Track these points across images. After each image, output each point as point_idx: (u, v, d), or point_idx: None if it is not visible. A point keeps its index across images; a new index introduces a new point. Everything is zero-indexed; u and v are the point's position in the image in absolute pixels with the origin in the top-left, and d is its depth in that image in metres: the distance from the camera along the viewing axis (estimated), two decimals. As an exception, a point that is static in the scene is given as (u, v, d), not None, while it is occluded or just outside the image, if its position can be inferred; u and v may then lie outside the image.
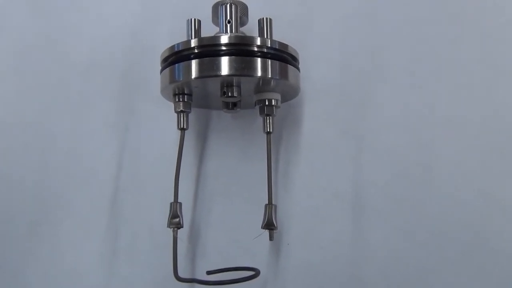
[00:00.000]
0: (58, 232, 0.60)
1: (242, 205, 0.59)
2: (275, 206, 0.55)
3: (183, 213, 0.55)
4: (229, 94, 0.54)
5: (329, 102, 0.60)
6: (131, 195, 0.60)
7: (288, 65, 0.54)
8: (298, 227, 0.58)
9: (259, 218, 0.54)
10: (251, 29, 0.59)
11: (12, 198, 0.61)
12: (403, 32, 0.61)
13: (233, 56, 0.52)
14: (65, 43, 0.63)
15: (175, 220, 0.54)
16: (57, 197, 0.61)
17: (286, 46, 0.54)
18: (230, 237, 0.59)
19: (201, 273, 0.57)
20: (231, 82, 0.54)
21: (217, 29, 0.58)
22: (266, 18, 0.56)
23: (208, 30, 0.57)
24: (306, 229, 0.59)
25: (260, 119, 0.56)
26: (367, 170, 0.59)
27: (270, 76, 0.53)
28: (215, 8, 0.58)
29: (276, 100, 0.56)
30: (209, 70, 0.52)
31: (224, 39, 0.53)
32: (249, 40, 0.53)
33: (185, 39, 0.55)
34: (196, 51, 0.53)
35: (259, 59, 0.52)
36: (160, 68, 0.56)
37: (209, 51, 0.52)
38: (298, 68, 0.56)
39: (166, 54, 0.55)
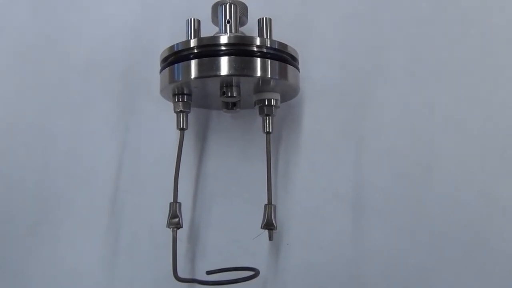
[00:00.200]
0: (58, 232, 0.60)
1: (241, 205, 0.59)
2: (275, 206, 0.55)
3: (182, 213, 0.55)
4: (229, 94, 0.54)
5: (329, 102, 0.60)
6: (131, 195, 0.60)
7: (288, 65, 0.54)
8: (298, 227, 0.58)
9: (259, 218, 0.54)
10: (250, 29, 0.59)
11: (12, 198, 0.61)
12: (403, 32, 0.61)
13: (232, 56, 0.52)
14: (65, 43, 0.63)
15: (174, 220, 0.54)
16: (57, 197, 0.61)
17: (285, 46, 0.54)
18: (230, 237, 0.59)
19: (200, 273, 0.57)
20: (230, 82, 0.54)
21: (216, 29, 0.58)
22: (266, 18, 0.56)
23: (208, 30, 0.57)
24: (306, 229, 0.58)
25: (259, 119, 0.56)
26: (367, 170, 0.59)
27: (269, 76, 0.53)
28: (215, 8, 0.58)
29: (276, 100, 0.55)
30: (209, 70, 0.52)
31: (224, 39, 0.53)
32: (249, 40, 0.53)
33: (184, 39, 0.55)
34: (195, 51, 0.53)
35: (258, 59, 0.52)
36: (159, 68, 0.56)
37: (208, 51, 0.52)
38: (297, 68, 0.56)
39: (166, 54, 0.55)
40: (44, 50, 0.63)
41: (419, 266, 0.57)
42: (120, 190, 0.60)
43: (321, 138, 0.60)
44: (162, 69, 0.55)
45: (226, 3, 0.56)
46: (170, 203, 0.54)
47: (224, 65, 0.52)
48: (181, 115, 0.55)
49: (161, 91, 0.56)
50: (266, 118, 0.56)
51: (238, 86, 0.54)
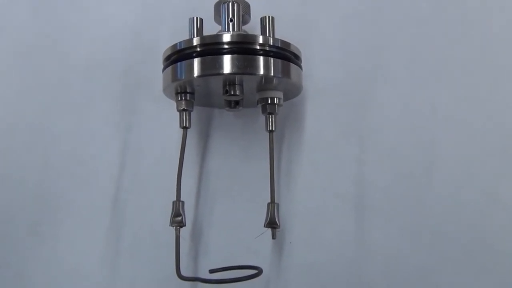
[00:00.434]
0: (59, 232, 0.60)
1: (244, 204, 0.59)
2: (278, 205, 0.55)
3: (185, 212, 0.55)
4: (232, 93, 0.54)
5: (332, 101, 0.60)
6: (133, 194, 0.60)
7: (291, 63, 0.54)
8: (301, 226, 0.58)
9: (262, 217, 0.54)
10: (253, 27, 0.59)
11: (13, 198, 0.61)
12: (405, 32, 0.61)
13: (235, 55, 0.52)
14: (66, 42, 0.63)
15: (177, 218, 0.54)
16: (58, 197, 0.60)
17: (288, 44, 0.54)
18: (233, 236, 0.59)
19: (203, 271, 0.57)
20: (233, 81, 0.53)
21: (219, 27, 0.58)
22: (268, 17, 0.56)
23: (210, 28, 0.57)
24: (309, 228, 0.58)
25: (262, 118, 0.56)
26: (369, 170, 0.59)
27: (272, 75, 0.53)
28: (217, 7, 0.58)
29: (279, 99, 0.55)
30: (212, 68, 0.52)
31: (227, 37, 0.53)
32: (252, 38, 0.53)
33: (186, 38, 0.55)
34: (198, 49, 0.53)
35: (261, 57, 0.52)
36: (162, 66, 0.56)
37: (211, 49, 0.52)
38: (300, 67, 0.56)
39: (168, 53, 0.54)
40: (45, 50, 0.63)
41: (421, 265, 0.57)
42: (122, 190, 0.60)
43: (323, 137, 0.60)
44: (165, 67, 0.55)
45: (229, 2, 0.56)
46: (173, 202, 0.54)
47: (227, 63, 0.52)
48: (184, 114, 0.55)
49: (164, 90, 0.56)
50: (269, 117, 0.56)
51: (241, 85, 0.54)
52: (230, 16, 0.56)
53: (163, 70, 0.55)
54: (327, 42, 0.61)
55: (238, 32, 0.56)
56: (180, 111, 0.55)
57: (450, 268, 0.57)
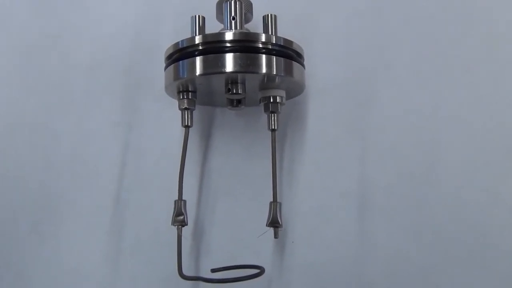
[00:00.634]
0: (61, 231, 0.60)
1: (246, 203, 0.59)
2: (280, 204, 0.55)
3: (187, 211, 0.54)
4: (234, 91, 0.53)
5: (334, 100, 0.60)
6: (135, 193, 0.60)
7: (293, 62, 0.54)
8: (303, 225, 0.58)
9: (264, 216, 0.54)
10: (255, 25, 0.59)
11: (14, 197, 0.61)
12: (408, 31, 0.61)
13: (237, 53, 0.52)
14: (68, 42, 0.63)
15: (179, 218, 0.54)
16: (60, 197, 0.60)
17: (291, 42, 0.54)
18: (235, 235, 0.58)
19: (205, 271, 0.57)
20: (235, 79, 0.53)
21: (221, 26, 0.57)
22: (271, 15, 0.56)
23: (212, 27, 0.57)
24: (311, 227, 0.58)
25: (264, 116, 0.56)
26: (372, 169, 0.59)
27: (275, 73, 0.52)
28: (220, 5, 0.57)
29: (281, 97, 0.55)
30: (214, 67, 0.52)
31: (229, 35, 0.52)
32: (254, 37, 0.53)
33: (188, 36, 0.55)
34: (200, 47, 0.52)
35: (264, 56, 0.52)
36: (164, 65, 0.55)
37: (213, 47, 0.52)
38: (303, 65, 0.56)
39: (171, 51, 0.54)
40: (46, 49, 0.63)
41: (423, 264, 0.57)
42: (124, 189, 0.60)
43: (326, 135, 0.60)
44: (167, 66, 0.55)
45: (231, 0, 0.56)
46: (175, 201, 0.54)
47: (229, 61, 0.52)
48: (186, 113, 0.55)
49: (166, 88, 0.55)
50: (271, 115, 0.55)
51: (243, 83, 0.54)
52: (232, 14, 0.56)
53: (165, 69, 0.55)
54: (330, 40, 0.61)
55: (241, 31, 0.55)
56: (182, 110, 0.55)
57: (452, 268, 0.57)
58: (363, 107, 0.60)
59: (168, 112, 0.59)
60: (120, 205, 0.60)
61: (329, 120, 0.60)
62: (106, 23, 0.63)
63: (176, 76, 0.53)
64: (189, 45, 0.53)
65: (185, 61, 0.53)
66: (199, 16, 0.56)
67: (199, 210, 0.59)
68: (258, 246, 0.57)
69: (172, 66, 0.54)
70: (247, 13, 0.57)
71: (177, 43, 0.54)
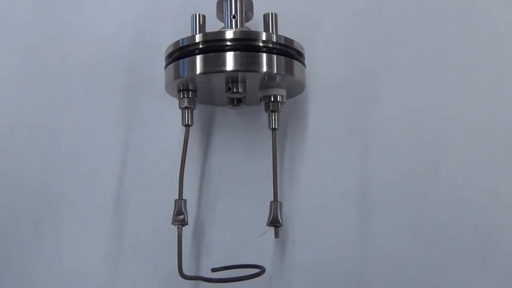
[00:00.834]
0: (61, 231, 0.60)
1: (247, 202, 0.59)
2: (281, 203, 0.55)
3: (187, 210, 0.54)
4: (234, 90, 0.53)
5: (335, 99, 0.60)
6: (135, 193, 0.60)
7: (294, 61, 0.54)
8: (304, 225, 0.58)
9: (264, 215, 0.54)
10: (256, 24, 0.59)
11: (16, 197, 0.60)
12: (409, 30, 0.61)
13: (238, 52, 0.51)
14: (68, 41, 0.63)
15: (179, 217, 0.54)
16: (60, 196, 0.60)
17: (291, 41, 0.54)
18: (235, 234, 0.58)
19: (205, 270, 0.57)
20: (236, 78, 0.53)
21: (222, 24, 0.57)
22: (271, 13, 0.56)
23: (213, 26, 0.57)
24: (312, 227, 0.58)
25: (265, 116, 0.56)
26: (372, 168, 0.59)
27: (275, 72, 0.52)
28: (220, 3, 0.57)
29: (282, 96, 0.55)
30: (214, 65, 0.52)
31: (229, 34, 0.52)
32: (255, 35, 0.53)
33: (189, 35, 0.55)
34: (200, 46, 0.52)
35: (264, 55, 0.52)
36: (164, 64, 0.55)
37: (214, 46, 0.52)
38: (304, 64, 0.55)
39: (171, 50, 0.54)
40: (46, 49, 0.63)
41: (424, 264, 0.57)
42: (124, 188, 0.60)
43: (327, 135, 0.59)
44: (167, 64, 0.55)
45: (232, -2, 0.56)
46: (175, 200, 0.54)
47: (230, 60, 0.51)
48: (186, 111, 0.55)
49: (166, 87, 0.55)
50: (271, 115, 0.55)
51: (243, 82, 0.53)
52: (233, 12, 0.56)
53: (165, 67, 0.55)
54: (331, 39, 0.61)
55: (241, 29, 0.55)
56: (182, 109, 0.55)
57: (452, 268, 0.57)
58: (363, 106, 0.60)
59: (168, 112, 0.59)
60: (120, 205, 0.60)
61: (330, 120, 0.60)
62: (106, 23, 0.63)
63: (176, 75, 0.53)
64: (190, 43, 0.53)
65: (185, 59, 0.53)
66: (199, 15, 0.56)
67: (199, 210, 0.59)
68: (258, 246, 0.57)
69: (172, 65, 0.54)
70: (247, 11, 0.57)
71: (177, 42, 0.54)
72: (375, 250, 0.57)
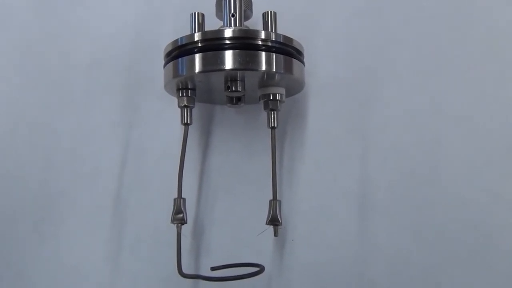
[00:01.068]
0: (61, 230, 0.60)
1: (246, 201, 0.59)
2: (280, 202, 0.55)
3: (187, 209, 0.54)
4: (233, 89, 0.53)
5: (335, 98, 0.60)
6: (135, 192, 0.60)
7: (293, 59, 0.54)
8: (303, 224, 0.58)
9: (264, 214, 0.54)
10: (255, 23, 0.59)
11: (16, 196, 0.61)
12: (409, 29, 0.61)
13: (237, 50, 0.52)
14: (68, 40, 0.63)
15: (179, 216, 0.54)
16: (60, 195, 0.60)
17: (290, 40, 0.54)
18: (234, 233, 0.58)
19: (205, 269, 0.56)
20: (235, 77, 0.53)
21: (221, 23, 0.57)
22: (271, 12, 0.56)
23: (212, 24, 0.57)
24: (311, 226, 0.58)
25: (264, 114, 0.56)
26: (373, 168, 0.59)
27: (274, 70, 0.52)
28: (219, 2, 0.57)
29: (281, 95, 0.55)
30: (213, 64, 0.52)
31: (228, 32, 0.52)
32: (254, 34, 0.53)
33: (188, 34, 0.55)
34: (199, 45, 0.52)
35: (263, 53, 0.52)
36: (163, 62, 0.55)
37: (213, 45, 0.52)
38: (303, 62, 0.55)
39: (170, 48, 0.54)
40: (46, 48, 0.63)
41: (424, 264, 0.57)
42: (124, 187, 0.60)
43: (326, 134, 0.59)
44: (166, 63, 0.55)
45: (231, -3, 0.56)
46: (175, 199, 0.54)
47: (229, 59, 0.51)
48: (185, 110, 0.55)
49: (165, 86, 0.55)
50: (270, 113, 0.55)
51: (242, 81, 0.54)
52: (232, 11, 0.56)
53: (164, 66, 0.55)
54: (331, 38, 0.61)
55: (240, 28, 0.55)
56: (182, 108, 0.55)
57: (453, 267, 0.57)
58: (363, 105, 0.60)
59: (168, 111, 0.59)
60: (120, 204, 0.60)
61: (330, 119, 0.60)
62: (106, 22, 0.63)
63: (175, 74, 0.53)
64: (188, 42, 0.53)
65: (184, 58, 0.53)
66: (198, 13, 0.56)
67: (198, 208, 0.59)
68: (258, 244, 0.57)
69: (171, 63, 0.54)
70: (246, 10, 0.57)
71: (176, 40, 0.54)
72: (374, 250, 0.57)
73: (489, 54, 0.60)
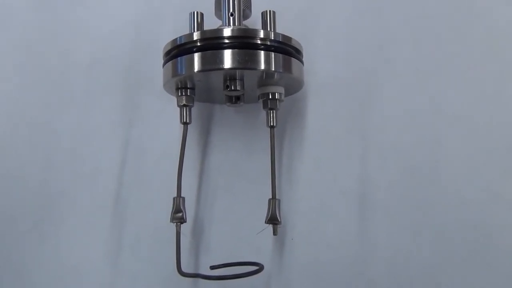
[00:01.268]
0: (62, 230, 0.60)
1: (245, 200, 0.59)
2: (279, 201, 0.55)
3: (186, 208, 0.54)
4: (232, 88, 0.53)
5: (334, 97, 0.60)
6: (134, 191, 0.60)
7: (292, 58, 0.54)
8: (302, 222, 0.58)
9: (263, 213, 0.54)
10: (254, 22, 0.59)
11: (15, 195, 0.61)
12: (409, 27, 0.61)
13: (236, 49, 0.52)
14: (68, 40, 0.63)
15: (178, 215, 0.54)
16: (60, 195, 0.60)
17: (289, 39, 0.54)
18: (234, 232, 0.58)
19: (204, 268, 0.56)
20: (234, 76, 0.53)
21: (220, 22, 0.57)
22: (269, 11, 0.56)
23: (211, 24, 0.57)
24: (310, 225, 0.58)
25: (263, 113, 0.56)
26: (372, 166, 0.59)
27: (273, 69, 0.52)
28: (218, 1, 0.57)
29: (280, 94, 0.55)
30: (212, 63, 0.52)
31: (227, 31, 0.52)
32: (252, 33, 0.53)
33: (187, 33, 0.55)
34: (198, 44, 0.52)
35: (262, 52, 0.52)
36: (162, 62, 0.56)
37: (211, 44, 0.52)
38: (301, 61, 0.55)
39: (169, 48, 0.54)
40: (46, 47, 0.63)
41: (424, 263, 0.57)
42: (123, 186, 0.60)
43: (325, 132, 0.59)
44: (165, 62, 0.55)
45: (230, -4, 0.56)
46: (174, 198, 0.54)
47: (228, 58, 0.51)
48: (185, 109, 0.55)
49: (164, 85, 0.55)
50: (270, 112, 0.55)
51: (241, 80, 0.54)
52: (231, 10, 0.56)
53: (163, 65, 0.55)
54: (330, 37, 0.61)
55: (239, 27, 0.55)
56: (181, 107, 0.55)
57: (454, 267, 0.57)
58: (363, 105, 0.60)
59: (168, 111, 0.59)
60: (120, 204, 0.60)
61: (329, 117, 0.60)
62: (106, 22, 0.63)
63: (175, 73, 0.53)
64: (187, 41, 0.53)
65: (183, 57, 0.53)
66: (197, 13, 0.56)
67: (198, 207, 0.59)
68: (257, 243, 0.57)
69: (170, 62, 0.54)
70: (245, 9, 0.57)
71: (175, 40, 0.54)
72: (374, 249, 0.57)
73: (489, 54, 0.60)
